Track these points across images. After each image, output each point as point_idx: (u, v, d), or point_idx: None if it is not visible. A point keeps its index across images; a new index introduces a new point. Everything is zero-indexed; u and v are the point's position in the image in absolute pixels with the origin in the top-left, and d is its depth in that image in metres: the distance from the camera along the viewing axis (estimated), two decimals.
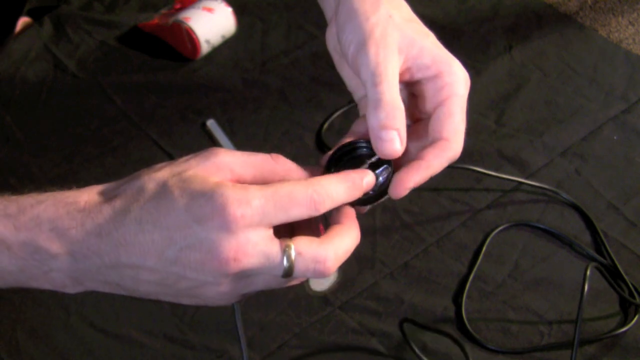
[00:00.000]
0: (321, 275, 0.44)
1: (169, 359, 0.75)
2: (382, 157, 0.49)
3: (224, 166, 0.44)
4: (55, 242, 0.43)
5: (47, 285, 0.45)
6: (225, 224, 0.41)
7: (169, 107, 1.00)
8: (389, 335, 0.76)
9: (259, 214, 0.42)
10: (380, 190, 0.49)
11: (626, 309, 0.79)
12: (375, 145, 0.48)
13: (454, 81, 0.50)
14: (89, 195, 0.45)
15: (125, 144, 0.95)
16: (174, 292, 0.45)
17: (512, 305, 0.79)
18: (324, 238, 0.45)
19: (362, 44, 0.49)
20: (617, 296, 0.80)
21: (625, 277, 0.81)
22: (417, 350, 0.73)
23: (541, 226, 0.86)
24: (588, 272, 0.74)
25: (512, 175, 0.91)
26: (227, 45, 1.09)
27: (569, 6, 1.18)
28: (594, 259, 0.83)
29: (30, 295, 0.79)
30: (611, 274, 0.82)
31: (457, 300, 0.80)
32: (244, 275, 0.43)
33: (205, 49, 1.06)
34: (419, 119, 0.53)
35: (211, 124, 0.97)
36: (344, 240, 0.45)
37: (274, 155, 0.47)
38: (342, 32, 0.51)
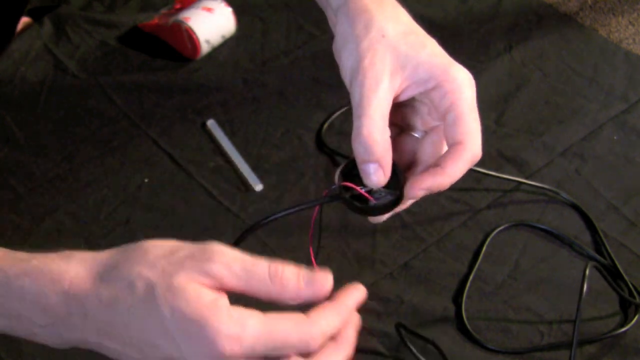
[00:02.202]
0: None
1: None
2: (370, 185, 0.50)
3: (217, 277, 0.43)
4: (39, 314, 0.44)
5: (34, 340, 0.46)
6: (214, 356, 0.41)
7: (169, 107, 1.00)
8: (389, 335, 0.76)
9: (248, 352, 0.41)
10: (387, 202, 0.51)
11: (626, 309, 0.79)
12: (361, 174, 0.50)
13: (455, 87, 0.49)
14: (75, 272, 0.44)
15: (125, 144, 0.95)
16: None
17: (512, 305, 0.79)
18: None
19: (354, 74, 0.50)
20: (617, 296, 0.80)
21: (625, 277, 0.81)
22: (414, 350, 0.73)
23: (541, 226, 0.86)
24: (587, 272, 0.74)
25: (512, 175, 0.91)
26: (227, 45, 1.09)
27: (569, 6, 1.18)
28: (594, 259, 0.83)
29: None
30: (611, 274, 0.82)
31: (457, 300, 0.80)
32: None
33: (205, 49, 1.06)
34: (434, 127, 0.54)
35: (211, 124, 0.97)
36: (324, 339, 0.45)
37: (273, 268, 0.44)
38: (339, 59, 0.52)
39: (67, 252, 0.45)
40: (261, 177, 0.91)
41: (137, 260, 0.44)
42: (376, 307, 0.79)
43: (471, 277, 0.81)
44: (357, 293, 0.49)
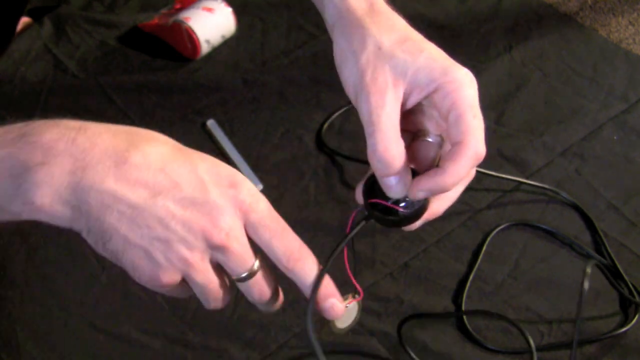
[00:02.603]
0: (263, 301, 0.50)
1: (169, 359, 0.75)
2: (391, 196, 0.51)
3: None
4: (37, 153, 0.42)
5: (17, 208, 0.43)
6: (236, 201, 0.44)
7: (169, 107, 1.00)
8: (389, 335, 0.76)
9: (257, 214, 0.45)
10: (416, 209, 0.52)
11: (626, 309, 0.79)
12: (383, 187, 0.51)
13: (455, 87, 0.50)
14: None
15: None
16: (136, 239, 0.42)
17: (512, 305, 0.79)
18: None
19: (357, 90, 0.51)
20: (617, 296, 0.80)
21: (625, 276, 0.81)
22: (412, 353, 0.73)
23: (541, 226, 0.86)
24: (588, 270, 0.74)
25: (512, 175, 0.91)
26: (227, 45, 1.09)
27: (569, 6, 1.18)
28: (594, 259, 0.83)
29: (30, 295, 0.79)
30: (611, 273, 0.82)
31: (457, 300, 0.80)
32: (220, 250, 0.44)
33: (205, 49, 1.06)
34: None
35: (211, 124, 0.97)
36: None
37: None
38: (341, 76, 0.53)
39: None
40: (261, 177, 0.91)
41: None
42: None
43: (471, 277, 0.81)
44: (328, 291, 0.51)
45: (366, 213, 0.53)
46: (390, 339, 0.76)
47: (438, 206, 0.54)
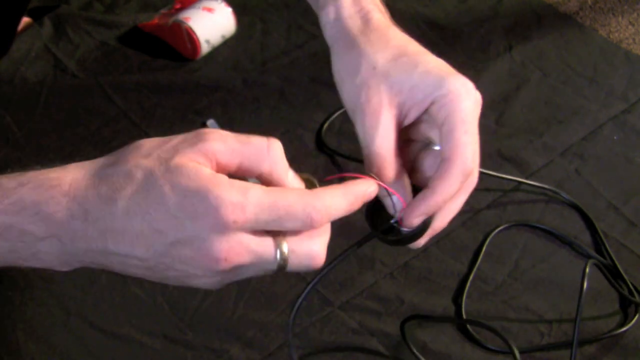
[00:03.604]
0: (314, 269, 0.45)
1: (169, 359, 0.75)
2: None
3: (211, 155, 0.43)
4: (40, 225, 0.43)
5: (37, 265, 0.45)
6: (218, 226, 0.41)
7: (169, 107, 1.00)
8: (389, 335, 0.76)
9: (252, 221, 0.41)
10: (419, 227, 0.51)
11: (626, 309, 0.79)
12: (386, 207, 0.51)
13: (449, 99, 0.49)
14: (73, 176, 0.44)
15: (125, 144, 0.95)
16: (161, 277, 0.44)
17: (512, 305, 0.79)
18: (313, 231, 0.44)
19: (354, 111, 0.51)
20: (617, 296, 0.80)
21: (625, 276, 0.81)
22: (415, 351, 0.73)
23: (541, 226, 0.86)
24: (587, 269, 0.74)
25: (512, 175, 0.91)
26: (227, 45, 1.09)
27: (569, 6, 1.18)
28: (593, 259, 0.83)
29: (30, 295, 0.79)
30: (611, 273, 0.82)
31: (457, 300, 0.80)
32: (234, 269, 0.43)
33: (205, 49, 1.06)
34: None
35: (211, 124, 0.96)
36: (327, 215, 0.44)
37: (271, 141, 0.46)
38: (340, 94, 0.53)
39: (59, 166, 0.46)
40: None
41: (132, 154, 0.44)
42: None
43: (471, 277, 0.81)
44: (367, 185, 0.47)
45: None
46: (391, 339, 0.76)
47: (441, 220, 0.53)
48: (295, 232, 0.44)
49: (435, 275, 0.82)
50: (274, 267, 0.43)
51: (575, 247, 0.85)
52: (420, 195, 0.49)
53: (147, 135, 0.96)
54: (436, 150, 0.53)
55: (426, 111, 0.51)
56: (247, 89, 1.03)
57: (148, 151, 0.44)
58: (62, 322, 0.77)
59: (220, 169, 0.43)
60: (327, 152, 0.94)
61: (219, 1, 1.07)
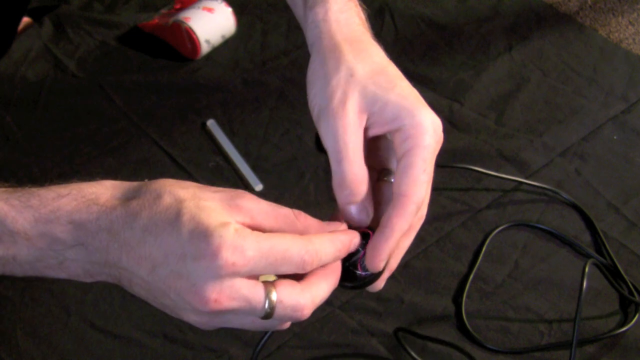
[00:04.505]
0: (297, 320, 0.46)
1: (169, 359, 0.75)
2: (353, 225, 0.50)
3: (246, 211, 0.45)
4: (71, 233, 0.44)
5: (62, 275, 0.47)
6: (214, 268, 0.42)
7: (169, 107, 1.00)
8: (389, 335, 0.76)
9: (249, 265, 0.42)
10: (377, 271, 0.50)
11: (626, 309, 0.79)
12: (344, 217, 0.50)
13: (417, 132, 0.48)
14: (111, 193, 0.46)
15: (125, 144, 0.95)
16: (159, 304, 0.46)
17: (512, 305, 0.79)
18: (304, 284, 0.46)
19: (322, 112, 0.51)
20: (617, 296, 0.80)
21: (625, 276, 0.81)
22: (413, 354, 0.73)
23: (541, 226, 0.86)
24: (587, 269, 0.74)
25: (512, 175, 0.91)
26: (227, 45, 1.09)
27: (569, 6, 1.18)
28: (593, 259, 0.83)
29: (30, 295, 0.79)
30: (611, 273, 0.82)
31: (457, 300, 0.80)
32: (221, 313, 0.44)
33: (205, 49, 1.06)
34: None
35: (211, 124, 0.97)
36: (322, 287, 0.46)
37: (296, 212, 0.47)
38: (309, 92, 0.53)
39: (102, 180, 0.47)
40: (261, 177, 0.91)
41: (170, 183, 0.46)
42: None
43: (471, 277, 0.81)
44: (352, 236, 0.49)
45: None
46: (391, 339, 0.76)
47: (395, 259, 0.53)
48: (285, 282, 0.45)
49: (435, 275, 0.82)
50: (262, 314, 0.44)
51: (575, 247, 0.85)
52: (379, 236, 0.49)
53: (147, 135, 0.96)
54: (392, 182, 0.52)
55: (386, 137, 0.51)
56: (247, 89, 1.03)
57: (187, 185, 0.46)
58: (62, 322, 0.77)
59: (255, 223, 0.45)
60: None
61: (219, 1, 1.07)
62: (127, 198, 0.45)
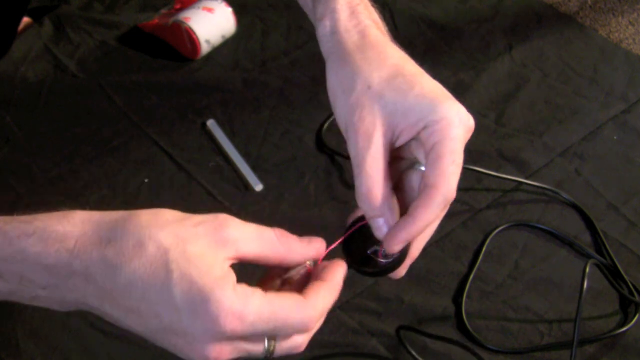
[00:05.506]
0: (294, 354, 0.46)
1: (169, 359, 0.75)
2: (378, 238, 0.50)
3: (231, 243, 0.43)
4: (42, 275, 0.43)
5: (37, 304, 0.46)
6: (214, 332, 0.41)
7: (169, 107, 1.00)
8: (389, 335, 0.76)
9: (250, 330, 0.42)
10: (396, 257, 0.51)
11: (626, 309, 0.79)
12: (373, 230, 0.50)
13: (442, 126, 0.49)
14: (80, 231, 0.43)
15: (125, 144, 0.95)
16: (154, 342, 0.45)
17: (512, 305, 0.79)
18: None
19: (346, 128, 0.51)
20: (617, 296, 0.80)
21: (625, 276, 0.81)
22: (414, 353, 0.73)
23: (541, 226, 0.86)
24: (587, 269, 0.74)
25: (512, 175, 0.91)
26: (227, 45, 1.09)
27: (569, 6, 1.18)
28: (593, 259, 0.83)
29: None
30: (611, 273, 0.82)
31: (457, 300, 0.80)
32: None
33: (205, 49, 1.06)
34: None
35: (211, 124, 0.97)
36: (317, 325, 0.46)
37: (277, 231, 0.47)
38: (334, 110, 0.52)
39: (70, 212, 0.44)
40: (261, 177, 0.91)
41: (147, 221, 0.43)
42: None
43: (471, 277, 0.81)
44: (342, 269, 0.49)
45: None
46: (391, 339, 0.76)
47: (417, 247, 0.53)
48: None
49: (435, 275, 0.82)
50: (261, 357, 0.44)
51: (575, 247, 0.85)
52: (401, 222, 0.49)
53: (147, 135, 0.96)
54: (421, 170, 0.53)
55: (416, 136, 0.51)
56: (247, 89, 1.03)
57: (165, 223, 0.43)
58: (62, 322, 0.77)
59: (241, 253, 0.44)
60: (327, 152, 0.94)
61: (219, 1, 1.07)
62: (101, 240, 0.42)
